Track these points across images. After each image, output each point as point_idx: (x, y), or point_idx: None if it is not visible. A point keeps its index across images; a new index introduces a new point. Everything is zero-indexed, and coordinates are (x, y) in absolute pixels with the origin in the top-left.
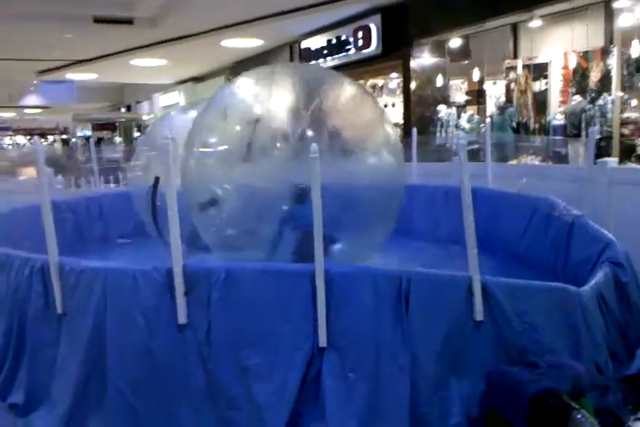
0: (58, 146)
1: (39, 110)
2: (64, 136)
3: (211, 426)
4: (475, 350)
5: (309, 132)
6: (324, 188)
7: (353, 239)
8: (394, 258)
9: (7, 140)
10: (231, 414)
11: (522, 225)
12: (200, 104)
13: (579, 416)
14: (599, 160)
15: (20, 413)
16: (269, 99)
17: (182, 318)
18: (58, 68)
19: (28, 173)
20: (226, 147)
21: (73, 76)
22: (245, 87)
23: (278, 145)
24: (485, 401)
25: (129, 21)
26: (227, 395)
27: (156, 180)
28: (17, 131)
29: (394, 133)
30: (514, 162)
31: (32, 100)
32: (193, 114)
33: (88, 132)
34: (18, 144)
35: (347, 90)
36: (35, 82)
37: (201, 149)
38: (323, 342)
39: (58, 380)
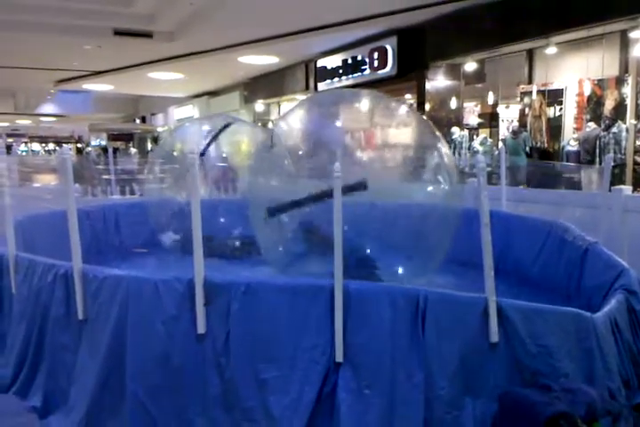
0: (72, 154)
1: (55, 119)
2: (78, 145)
3: None
4: (489, 370)
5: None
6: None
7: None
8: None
9: (22, 147)
10: (246, 425)
11: (536, 249)
12: (212, 117)
13: None
14: (613, 188)
15: (37, 415)
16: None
17: (201, 328)
18: (75, 79)
19: (45, 179)
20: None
21: (90, 86)
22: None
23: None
24: (498, 422)
25: (148, 35)
26: (243, 405)
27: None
28: (32, 138)
29: (449, 156)
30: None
31: (49, 108)
32: (205, 127)
33: (102, 142)
34: (33, 151)
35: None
36: (52, 91)
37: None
38: (339, 357)
39: (76, 385)
